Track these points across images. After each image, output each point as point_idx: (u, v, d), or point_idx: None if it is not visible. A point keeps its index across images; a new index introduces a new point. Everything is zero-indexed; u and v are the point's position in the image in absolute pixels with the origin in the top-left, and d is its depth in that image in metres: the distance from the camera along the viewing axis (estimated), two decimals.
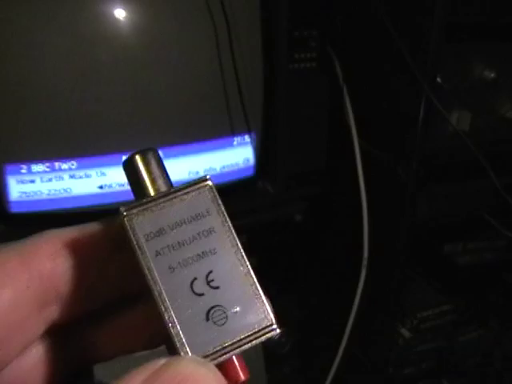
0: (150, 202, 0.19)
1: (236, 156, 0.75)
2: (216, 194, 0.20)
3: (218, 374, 0.17)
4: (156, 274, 0.19)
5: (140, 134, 0.69)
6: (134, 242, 0.19)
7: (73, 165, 0.66)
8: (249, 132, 0.75)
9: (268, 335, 0.19)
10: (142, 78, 0.68)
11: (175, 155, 0.69)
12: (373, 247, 0.82)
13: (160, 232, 0.19)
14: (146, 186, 0.20)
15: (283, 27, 0.73)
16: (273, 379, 0.92)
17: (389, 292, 0.88)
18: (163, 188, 0.20)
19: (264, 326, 0.19)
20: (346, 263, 0.91)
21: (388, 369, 0.93)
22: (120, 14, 0.64)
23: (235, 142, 0.75)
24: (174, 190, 0.20)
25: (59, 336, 0.22)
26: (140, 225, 0.19)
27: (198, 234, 0.20)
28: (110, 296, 0.22)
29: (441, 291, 1.00)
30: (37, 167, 0.64)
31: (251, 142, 0.76)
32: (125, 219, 0.19)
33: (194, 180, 0.20)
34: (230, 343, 0.19)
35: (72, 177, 0.66)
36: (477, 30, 0.76)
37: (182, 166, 0.70)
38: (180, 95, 0.70)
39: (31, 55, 0.62)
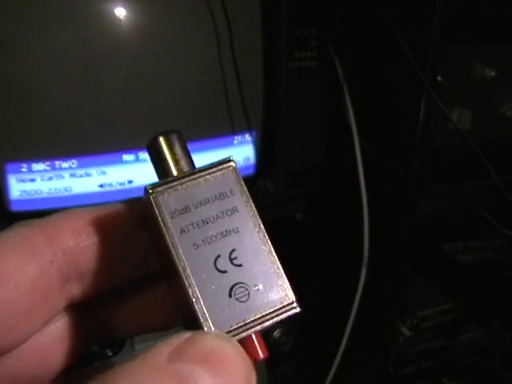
0: (175, 180, 0.20)
1: (236, 155, 0.75)
2: (239, 174, 0.21)
3: (242, 350, 0.18)
4: (181, 251, 0.19)
5: (140, 133, 0.69)
6: (160, 219, 0.19)
7: (73, 163, 0.66)
8: (249, 131, 0.75)
9: (289, 313, 0.20)
10: (142, 77, 0.68)
11: None
12: (373, 246, 0.82)
13: (185, 210, 0.20)
14: (169, 166, 0.21)
15: (283, 26, 0.73)
16: (273, 378, 0.92)
17: (389, 291, 0.88)
18: (187, 168, 0.21)
19: (285, 303, 0.20)
20: (346, 262, 0.91)
21: (388, 368, 0.93)
22: (121, 13, 0.64)
23: (235, 141, 0.75)
24: (198, 170, 0.20)
25: (80, 312, 0.22)
26: (165, 202, 0.19)
27: (222, 212, 0.20)
28: (132, 275, 0.22)
29: (441, 290, 1.00)
30: (37, 166, 0.64)
31: (251, 141, 0.76)
32: (151, 196, 0.19)
33: (218, 161, 0.21)
34: (251, 320, 0.19)
35: (72, 175, 0.66)
36: (477, 29, 0.76)
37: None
38: (180, 94, 0.70)
39: (32, 54, 0.62)
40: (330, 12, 0.78)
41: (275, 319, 0.20)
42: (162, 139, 0.21)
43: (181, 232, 0.19)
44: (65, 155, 0.65)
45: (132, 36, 0.67)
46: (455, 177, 0.81)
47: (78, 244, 0.20)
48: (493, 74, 0.80)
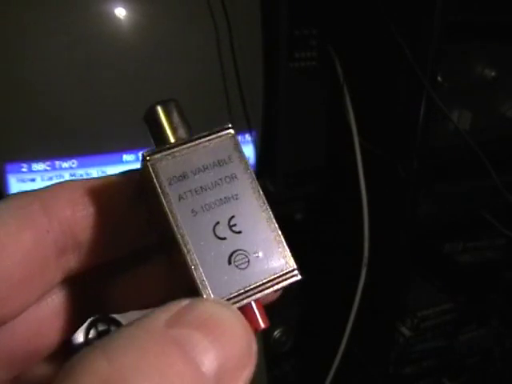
0: (172, 147, 0.20)
1: None
2: (238, 142, 0.20)
3: (242, 317, 0.17)
4: (179, 218, 0.19)
5: (140, 133, 0.69)
6: (157, 186, 0.19)
7: (73, 163, 0.66)
8: (249, 131, 0.75)
9: (290, 281, 0.20)
10: (142, 77, 0.68)
11: None
12: (373, 246, 0.82)
13: (183, 176, 0.19)
14: (167, 134, 0.20)
15: (284, 26, 0.73)
16: (273, 378, 0.92)
17: (389, 291, 0.88)
18: (184, 136, 0.20)
19: (286, 271, 0.20)
20: (346, 262, 0.91)
21: (388, 368, 0.93)
22: (121, 13, 0.64)
23: None
24: (195, 138, 0.20)
25: (76, 286, 0.22)
26: (163, 169, 0.19)
27: (221, 179, 0.20)
28: (128, 247, 0.22)
29: (441, 290, 1.00)
30: (37, 166, 0.64)
31: (252, 141, 0.76)
32: (148, 163, 0.19)
33: (216, 128, 0.20)
34: (251, 287, 0.19)
35: (72, 176, 0.66)
36: (477, 28, 0.76)
37: None
38: (180, 94, 0.70)
39: (32, 55, 0.62)
40: (330, 12, 0.78)
41: (275, 287, 0.19)
42: (159, 108, 0.21)
43: (179, 199, 0.19)
44: (65, 155, 0.65)
45: (132, 36, 0.67)
46: (455, 177, 0.81)
47: (75, 214, 0.20)
48: (493, 73, 0.80)
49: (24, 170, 0.64)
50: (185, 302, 0.17)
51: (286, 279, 0.19)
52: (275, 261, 0.19)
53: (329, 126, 0.83)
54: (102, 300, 0.22)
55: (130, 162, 0.68)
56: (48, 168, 0.64)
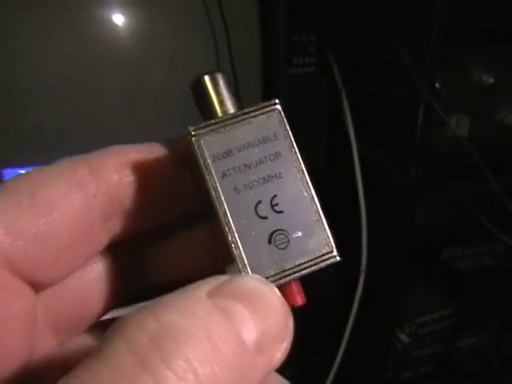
0: (218, 123, 0.19)
1: None
2: (284, 118, 0.20)
3: (279, 293, 0.18)
4: (221, 195, 0.19)
5: (140, 137, 0.69)
6: (201, 162, 0.19)
7: None
8: None
9: (328, 262, 0.20)
10: (141, 80, 0.68)
11: None
12: (371, 252, 0.82)
13: (227, 153, 0.19)
14: (214, 107, 0.20)
15: (282, 32, 0.73)
16: None
17: (387, 297, 0.87)
18: (231, 110, 0.20)
19: (324, 252, 0.20)
20: (344, 268, 0.91)
21: (387, 374, 0.93)
22: (119, 17, 0.64)
23: None
24: (242, 113, 0.20)
25: (121, 254, 0.22)
26: (208, 145, 0.19)
27: (265, 157, 0.20)
28: (174, 213, 0.22)
29: (439, 296, 1.00)
30: None
31: None
32: (193, 139, 0.19)
33: (263, 103, 0.20)
34: (290, 267, 0.19)
35: None
36: (476, 34, 0.76)
37: None
38: (179, 98, 0.70)
39: (30, 61, 0.62)
40: (328, 18, 0.78)
41: (314, 267, 0.19)
42: (207, 78, 0.20)
43: (222, 176, 0.19)
44: None
45: (130, 40, 0.67)
46: (453, 183, 0.81)
47: (122, 179, 0.20)
48: (491, 79, 0.80)
49: None
50: (224, 277, 0.17)
51: (324, 260, 0.20)
52: (315, 242, 0.19)
53: (327, 131, 0.83)
54: (147, 268, 0.22)
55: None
56: None
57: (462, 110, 0.80)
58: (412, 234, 0.81)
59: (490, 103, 0.84)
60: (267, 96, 0.76)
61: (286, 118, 0.20)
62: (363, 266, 0.82)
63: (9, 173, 0.63)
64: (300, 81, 0.77)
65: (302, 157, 0.20)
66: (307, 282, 0.20)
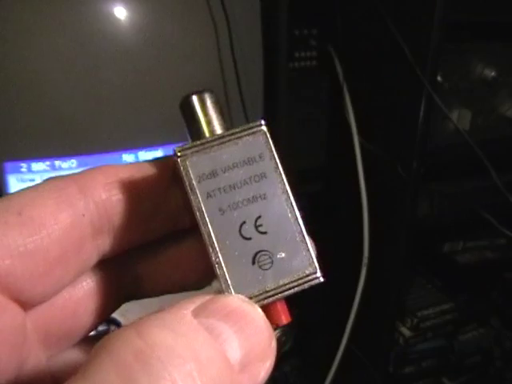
0: (204, 143, 0.20)
1: None
2: (269, 139, 0.20)
3: (262, 313, 0.18)
4: (206, 216, 0.19)
5: (140, 133, 0.69)
6: (187, 183, 0.19)
7: (73, 163, 0.65)
8: None
9: (311, 282, 0.20)
10: (142, 76, 0.68)
11: None
12: (373, 246, 0.82)
13: (212, 174, 0.19)
14: (201, 126, 0.20)
15: (283, 26, 0.73)
16: (273, 378, 0.92)
17: (389, 291, 0.88)
18: (218, 130, 0.20)
19: (308, 273, 0.20)
20: (346, 262, 0.91)
21: (388, 368, 0.93)
22: (121, 13, 0.64)
23: None
24: (228, 133, 0.20)
25: (111, 269, 0.22)
26: (193, 166, 0.19)
27: (250, 178, 0.20)
28: (164, 230, 0.22)
29: (441, 290, 1.00)
30: (37, 166, 0.64)
31: None
32: (179, 159, 0.19)
33: (249, 124, 0.20)
34: (273, 287, 0.19)
35: None
36: (477, 28, 0.76)
37: None
38: (180, 94, 0.70)
39: (32, 54, 0.62)
40: (329, 12, 0.78)
41: (297, 288, 0.19)
42: (194, 98, 0.21)
43: (207, 196, 0.19)
44: (65, 155, 0.65)
45: (132, 36, 0.67)
46: (455, 177, 0.81)
47: (110, 197, 0.20)
48: (493, 73, 0.80)
49: (23, 169, 0.64)
50: (208, 296, 0.17)
51: (307, 281, 0.20)
52: (298, 263, 0.20)
53: (329, 125, 0.83)
54: (137, 282, 0.23)
55: (130, 162, 0.68)
56: (47, 168, 0.64)
57: (464, 103, 0.80)
58: (414, 228, 0.81)
59: (492, 97, 0.84)
60: (269, 90, 0.76)
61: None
62: (365, 260, 0.82)
63: (9, 166, 0.63)
64: (301, 75, 0.77)
65: (287, 178, 0.20)
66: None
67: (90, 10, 0.64)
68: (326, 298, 0.96)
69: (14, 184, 0.64)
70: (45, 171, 0.64)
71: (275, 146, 0.21)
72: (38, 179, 0.64)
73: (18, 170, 0.64)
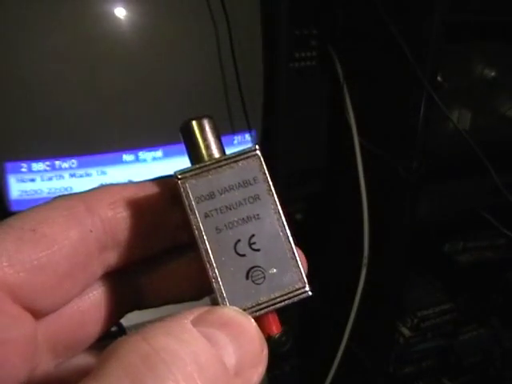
0: (202, 167, 0.21)
1: None
2: (263, 163, 0.22)
3: (255, 324, 0.20)
4: (204, 234, 0.21)
5: (140, 133, 0.69)
6: (186, 204, 0.21)
7: (73, 163, 0.66)
8: (249, 131, 0.75)
9: (300, 296, 0.21)
10: (142, 77, 0.68)
11: (176, 154, 0.69)
12: (373, 246, 0.82)
13: (210, 196, 0.21)
14: (200, 150, 0.22)
15: (284, 26, 0.73)
16: (273, 378, 0.92)
17: (389, 291, 0.88)
18: (216, 154, 0.22)
19: (297, 287, 0.21)
20: (346, 262, 0.91)
21: (388, 368, 0.93)
22: (121, 13, 0.64)
23: (235, 141, 0.75)
24: (225, 158, 0.22)
25: (116, 283, 0.24)
26: (192, 188, 0.21)
27: (245, 199, 0.21)
28: (164, 245, 0.24)
29: (441, 290, 1.00)
30: (37, 166, 0.64)
31: (251, 141, 0.76)
32: (179, 182, 0.21)
33: (244, 149, 0.22)
34: (265, 300, 0.21)
35: (72, 176, 0.66)
36: (477, 28, 0.76)
37: (182, 165, 0.70)
38: (180, 94, 0.70)
39: (32, 54, 0.62)
40: (330, 12, 0.78)
41: (287, 301, 0.21)
42: (194, 124, 0.22)
43: (205, 216, 0.21)
44: (65, 155, 0.65)
45: (132, 36, 0.67)
46: (455, 177, 0.81)
47: (115, 215, 0.22)
48: (493, 73, 0.80)
49: (24, 170, 0.64)
50: (205, 308, 0.19)
51: (297, 295, 0.21)
52: (288, 278, 0.21)
53: (329, 126, 0.83)
54: (140, 294, 0.25)
55: (130, 162, 0.68)
56: (48, 168, 0.64)
57: (464, 103, 0.80)
58: (414, 228, 0.81)
59: (492, 97, 0.84)
60: (269, 90, 0.76)
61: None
62: (365, 260, 0.82)
63: (10, 166, 0.63)
64: (301, 75, 0.77)
65: (279, 199, 0.22)
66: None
67: (90, 10, 0.64)
68: (326, 298, 0.96)
69: (15, 184, 0.64)
70: (45, 171, 0.64)
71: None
72: (39, 179, 0.64)
73: (18, 170, 0.64)
